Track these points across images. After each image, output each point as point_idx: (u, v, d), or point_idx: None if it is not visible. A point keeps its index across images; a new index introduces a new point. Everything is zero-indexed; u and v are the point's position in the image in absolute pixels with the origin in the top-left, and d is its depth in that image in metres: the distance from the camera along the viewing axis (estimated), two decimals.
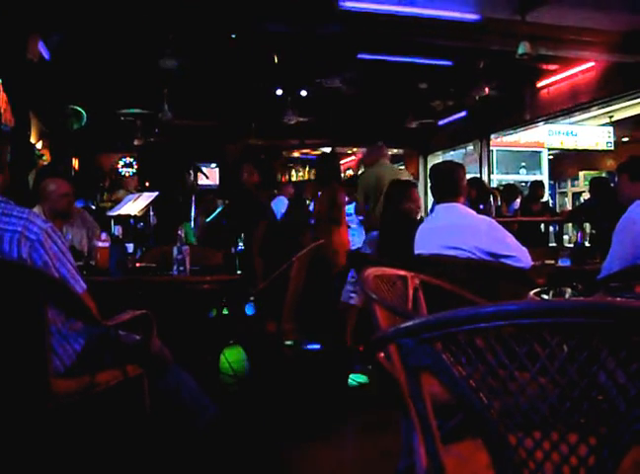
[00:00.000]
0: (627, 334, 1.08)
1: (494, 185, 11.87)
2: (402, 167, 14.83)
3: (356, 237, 6.91)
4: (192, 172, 9.58)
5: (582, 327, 1.09)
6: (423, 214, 8.90)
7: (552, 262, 4.67)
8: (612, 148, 12.36)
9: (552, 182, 15.44)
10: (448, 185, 3.59)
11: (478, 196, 8.74)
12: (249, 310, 5.30)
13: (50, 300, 2.28)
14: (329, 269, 5.57)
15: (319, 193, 6.32)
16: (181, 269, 3.63)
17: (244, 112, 11.17)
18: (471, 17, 6.81)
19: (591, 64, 8.92)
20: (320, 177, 6.43)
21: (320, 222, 6.20)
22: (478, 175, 11.37)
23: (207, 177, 10.57)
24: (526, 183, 11.83)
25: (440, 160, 13.11)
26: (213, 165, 13.12)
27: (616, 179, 4.07)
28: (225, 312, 5.31)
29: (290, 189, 9.73)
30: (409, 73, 9.29)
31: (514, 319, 1.11)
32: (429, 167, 13.70)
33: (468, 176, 5.72)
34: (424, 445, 1.31)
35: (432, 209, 7.13)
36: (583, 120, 11.86)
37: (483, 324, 1.13)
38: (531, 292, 2.29)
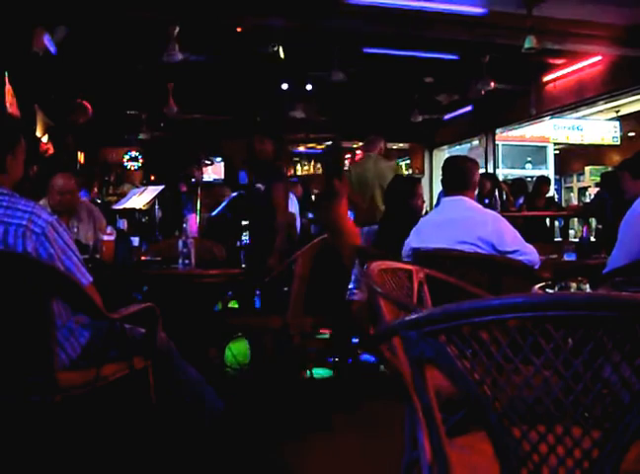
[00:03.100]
0: (631, 327, 1.08)
1: (500, 179, 11.85)
2: (401, 161, 14.84)
3: None
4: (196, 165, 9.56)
5: (586, 320, 1.09)
6: (428, 208, 8.92)
7: (555, 256, 4.67)
8: (619, 143, 12.31)
9: (558, 177, 15.40)
10: (457, 178, 3.60)
11: (491, 189, 8.76)
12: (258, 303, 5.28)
13: (56, 293, 2.29)
14: (337, 263, 5.55)
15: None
16: (186, 262, 3.63)
17: (249, 106, 11.16)
18: (477, 10, 6.78)
19: (597, 58, 8.88)
20: (324, 171, 6.44)
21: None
22: (484, 169, 11.35)
23: (212, 162, 10.52)
24: (532, 177, 11.80)
25: (446, 154, 13.11)
26: (219, 159, 13.12)
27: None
28: (233, 305, 5.31)
29: (300, 188, 9.64)
30: (414, 67, 9.27)
31: (518, 312, 1.11)
32: (434, 161, 13.77)
33: None
34: (428, 439, 1.32)
35: (437, 202, 7.14)
36: (589, 115, 11.81)
37: (487, 317, 1.13)
38: (536, 286, 2.29)
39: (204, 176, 10.17)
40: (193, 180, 8.87)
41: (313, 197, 9.71)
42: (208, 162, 10.09)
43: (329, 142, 12.92)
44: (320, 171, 8.47)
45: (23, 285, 2.20)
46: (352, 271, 5.49)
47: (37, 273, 2.19)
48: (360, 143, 14.13)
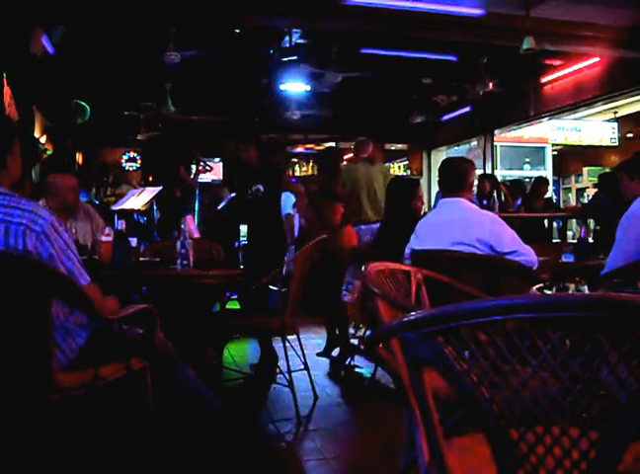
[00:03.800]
0: (629, 328, 1.08)
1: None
2: (400, 162, 14.87)
3: None
4: (193, 165, 9.55)
5: (583, 321, 1.09)
6: (426, 209, 8.93)
7: (553, 257, 4.67)
8: (617, 144, 12.33)
9: (556, 178, 15.41)
10: (453, 179, 3.62)
11: (490, 190, 8.78)
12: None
13: (54, 294, 2.29)
14: (334, 265, 5.55)
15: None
16: (184, 263, 3.63)
17: (248, 106, 11.16)
18: (475, 12, 6.79)
19: (595, 60, 8.89)
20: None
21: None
22: (482, 171, 11.36)
23: (211, 168, 10.52)
24: (530, 178, 11.82)
25: (444, 156, 13.11)
26: (217, 160, 13.13)
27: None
28: (232, 306, 5.30)
29: (301, 187, 9.60)
30: (413, 68, 9.27)
31: (516, 313, 1.11)
32: (432, 162, 13.77)
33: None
34: (426, 440, 1.32)
35: (435, 204, 7.16)
36: (587, 116, 11.83)
37: (485, 318, 1.13)
38: (534, 287, 2.29)
39: (202, 177, 10.15)
40: (191, 180, 8.88)
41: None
42: (208, 168, 10.08)
43: (327, 143, 12.97)
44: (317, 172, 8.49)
45: (21, 286, 2.20)
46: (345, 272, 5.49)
47: (35, 273, 2.19)
48: None
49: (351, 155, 14.44)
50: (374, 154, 6.98)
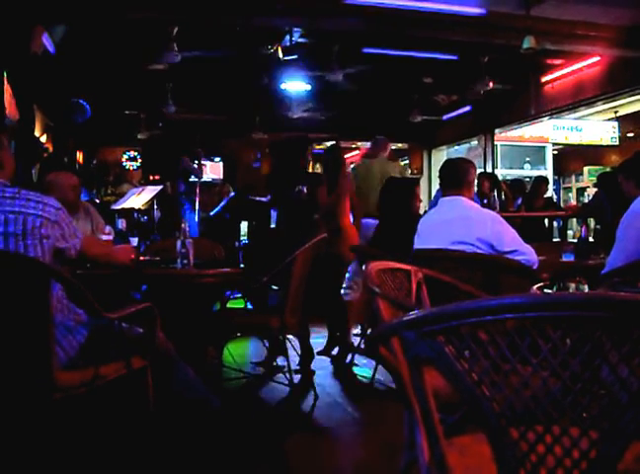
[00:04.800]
0: (629, 328, 1.08)
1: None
2: (401, 162, 14.86)
3: None
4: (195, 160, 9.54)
5: (584, 321, 1.09)
6: (426, 208, 8.93)
7: (553, 256, 4.66)
8: (617, 143, 12.33)
9: (556, 177, 15.40)
10: (452, 177, 3.62)
11: (490, 189, 8.79)
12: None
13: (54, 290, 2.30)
14: (336, 263, 5.54)
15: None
16: (184, 262, 3.63)
17: (248, 106, 11.16)
18: (476, 11, 6.79)
19: (596, 59, 8.89)
20: (325, 170, 6.45)
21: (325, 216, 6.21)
22: (482, 170, 11.36)
23: (212, 160, 10.50)
24: (530, 178, 11.82)
25: (445, 155, 13.12)
26: (217, 159, 13.13)
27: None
28: (232, 305, 5.30)
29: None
30: (414, 67, 9.28)
31: (516, 312, 1.11)
32: (433, 161, 13.78)
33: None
34: (426, 439, 1.31)
35: (434, 202, 7.16)
36: (587, 116, 11.82)
37: (486, 317, 1.13)
38: (535, 286, 2.29)
39: (204, 176, 10.16)
40: (191, 176, 8.89)
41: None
42: (209, 160, 10.09)
43: (328, 142, 12.96)
44: (320, 170, 8.50)
45: (21, 284, 2.20)
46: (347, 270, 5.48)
47: (34, 271, 2.20)
48: (360, 143, 14.21)
49: (355, 153, 14.49)
50: (391, 155, 7.04)
